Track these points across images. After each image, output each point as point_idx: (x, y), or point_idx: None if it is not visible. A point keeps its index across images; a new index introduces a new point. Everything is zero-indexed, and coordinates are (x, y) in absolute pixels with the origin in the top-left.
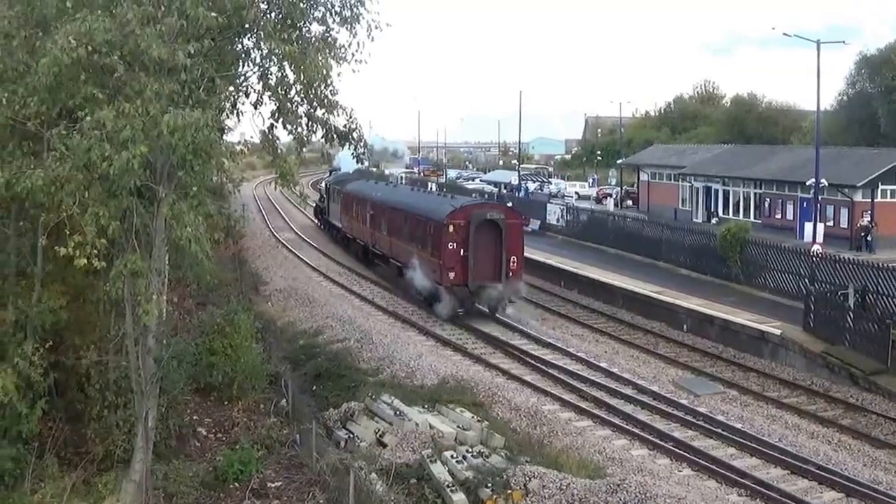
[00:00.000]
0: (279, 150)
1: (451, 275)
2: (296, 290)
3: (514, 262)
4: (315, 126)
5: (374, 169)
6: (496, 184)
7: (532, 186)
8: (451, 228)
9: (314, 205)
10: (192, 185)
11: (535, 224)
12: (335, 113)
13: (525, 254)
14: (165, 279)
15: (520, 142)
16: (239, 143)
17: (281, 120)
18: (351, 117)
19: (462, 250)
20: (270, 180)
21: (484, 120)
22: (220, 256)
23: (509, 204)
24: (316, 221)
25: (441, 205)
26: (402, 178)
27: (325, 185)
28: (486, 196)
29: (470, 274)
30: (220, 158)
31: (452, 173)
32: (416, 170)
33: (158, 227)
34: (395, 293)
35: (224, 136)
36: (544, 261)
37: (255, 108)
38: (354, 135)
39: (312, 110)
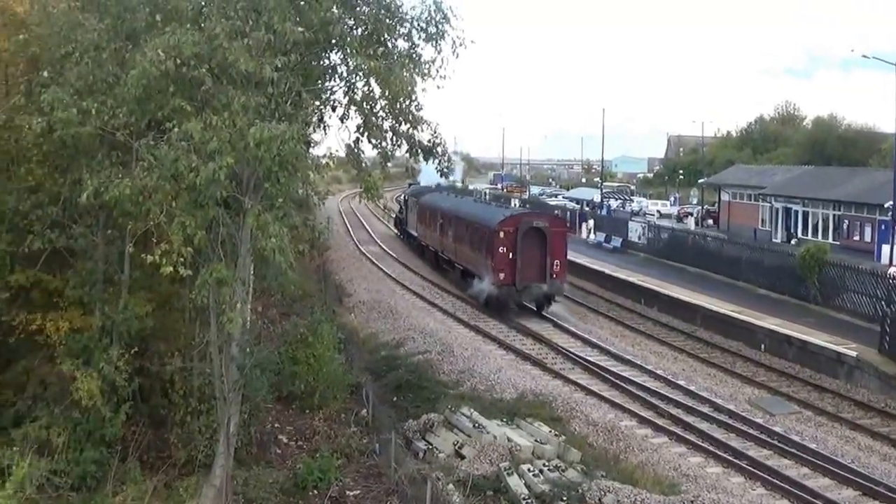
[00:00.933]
0: (364, 164)
1: (501, 275)
2: (379, 303)
3: (557, 265)
4: (399, 140)
5: (459, 184)
6: (578, 201)
7: (614, 204)
8: (501, 234)
9: (394, 216)
10: (278, 196)
11: (616, 241)
12: (420, 128)
13: (607, 270)
14: (250, 288)
15: (602, 159)
16: (324, 156)
17: (366, 134)
18: (435, 132)
19: (511, 254)
20: (355, 194)
21: (567, 137)
22: (305, 268)
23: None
24: (396, 231)
25: (494, 214)
26: (485, 193)
27: (404, 196)
28: (566, 212)
29: (517, 275)
30: (306, 171)
31: (535, 190)
32: (499, 186)
33: (244, 237)
34: (478, 308)
35: (310, 149)
36: (625, 278)
37: (342, 121)
38: (438, 149)
39: (397, 125)
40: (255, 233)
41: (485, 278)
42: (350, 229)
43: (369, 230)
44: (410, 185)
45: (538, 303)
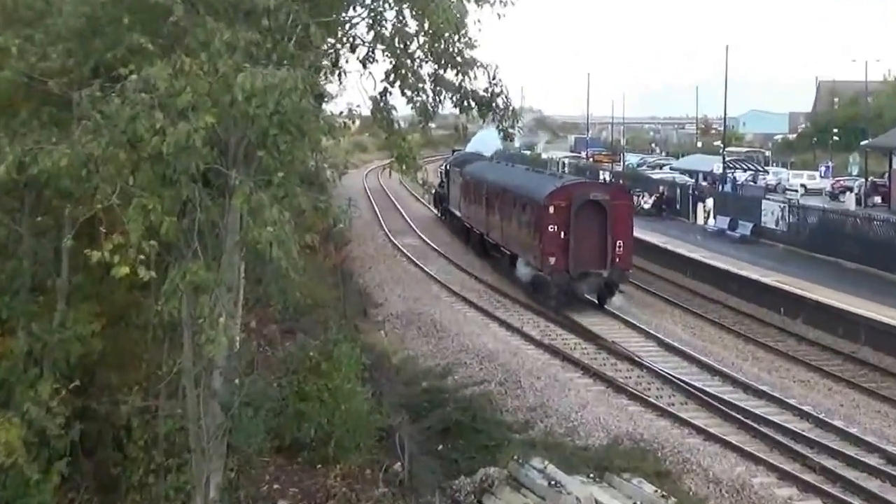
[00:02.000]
0: (396, 125)
1: (552, 260)
2: (418, 315)
3: (620, 247)
4: (444, 92)
5: (528, 152)
6: (692, 173)
7: (741, 177)
8: (551, 210)
9: (434, 192)
10: (277, 169)
11: (744, 228)
12: (471, 73)
13: (733, 268)
14: (239, 297)
15: (725, 115)
16: (342, 114)
17: (398, 83)
18: (494, 78)
19: (563, 233)
20: (385, 166)
21: (676, 90)
22: (317, 268)
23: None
24: (435, 211)
25: (543, 185)
26: (564, 164)
27: (445, 167)
28: (676, 189)
29: (571, 259)
30: (316, 135)
31: (632, 159)
32: (582, 154)
33: (230, 225)
34: (551, 321)
35: (322, 105)
36: (757, 279)
37: (365, 66)
38: (499, 101)
39: (441, 70)
40: (245, 220)
41: (532, 264)
42: (379, 214)
43: (404, 215)
44: (455, 151)
45: (599, 294)
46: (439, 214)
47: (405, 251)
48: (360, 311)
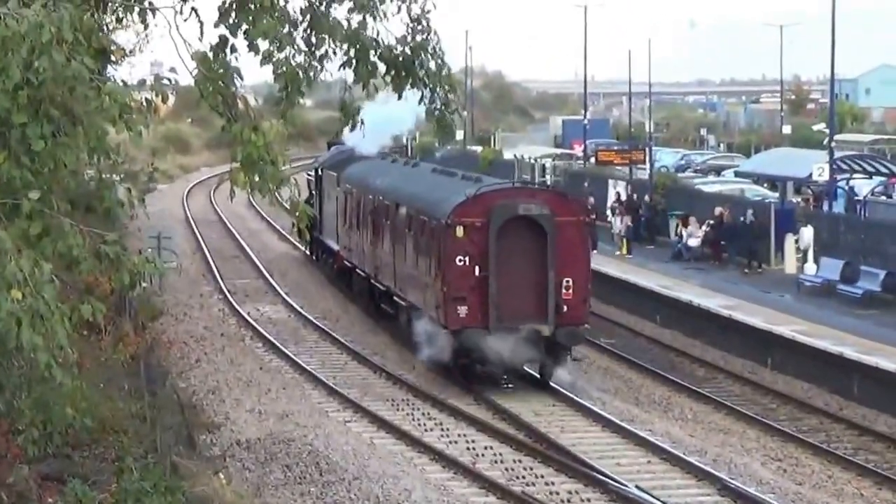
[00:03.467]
0: (242, 103)
1: (462, 310)
2: (287, 444)
3: (568, 287)
4: (327, 42)
5: (479, 149)
6: (775, 181)
7: (863, 187)
8: (458, 232)
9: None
10: (29, 186)
11: (870, 280)
12: (377, 9)
13: (850, 350)
14: None
15: (833, 77)
16: (145, 84)
17: (245, 28)
18: (419, 20)
19: (478, 268)
20: (225, 177)
21: (739, 31)
22: (102, 363)
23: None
24: (303, 248)
25: (447, 193)
26: (549, 168)
27: (316, 171)
28: (748, 212)
29: (492, 308)
30: (98, 122)
31: (668, 157)
32: (577, 149)
33: None
34: (521, 447)
35: (110, 70)
36: None
37: None
38: (429, 62)
39: (320, 3)
40: None
41: (428, 315)
42: (213, 262)
43: (258, 262)
44: (331, 145)
45: (540, 363)
46: (307, 251)
47: (260, 328)
48: (183, 440)
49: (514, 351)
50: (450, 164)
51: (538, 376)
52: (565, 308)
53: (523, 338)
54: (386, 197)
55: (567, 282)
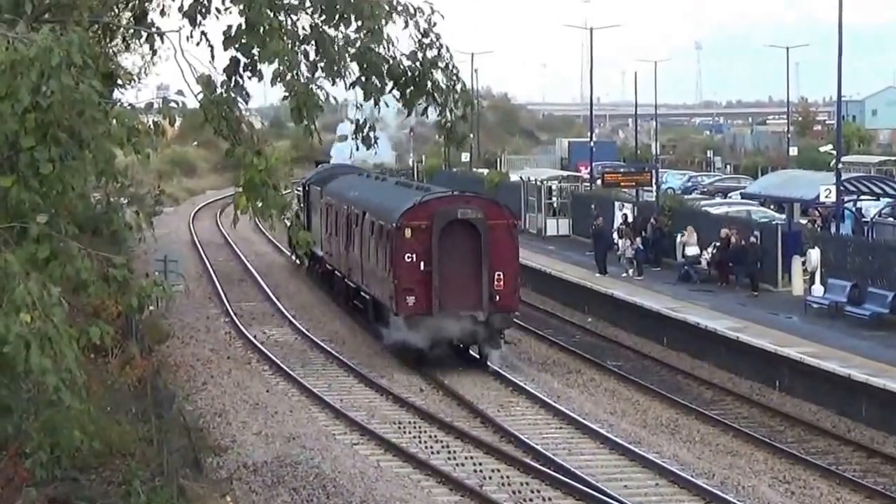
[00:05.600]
0: (246, 127)
1: (410, 300)
2: (293, 467)
3: (500, 280)
4: (336, 60)
5: (485, 171)
6: (781, 203)
7: (871, 208)
8: (407, 233)
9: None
10: (38, 210)
11: (877, 301)
12: (385, 25)
13: (857, 371)
14: None
15: (840, 98)
16: (152, 107)
17: (254, 49)
18: (428, 34)
19: (423, 264)
20: (229, 201)
21: (746, 53)
22: (110, 385)
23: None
24: (294, 259)
25: (399, 201)
26: (550, 190)
27: (304, 186)
28: (754, 234)
29: (435, 298)
30: (106, 146)
31: (674, 179)
32: (583, 171)
33: None
34: (528, 469)
35: (117, 94)
36: None
37: (193, 21)
38: (436, 74)
39: (327, 22)
40: None
41: (385, 304)
42: (220, 286)
43: (264, 285)
44: (319, 164)
45: (475, 344)
46: (295, 260)
47: (267, 351)
48: (190, 463)
49: (454, 333)
50: (455, 186)
51: (477, 357)
52: (497, 297)
53: (462, 322)
54: (356, 207)
55: (499, 275)
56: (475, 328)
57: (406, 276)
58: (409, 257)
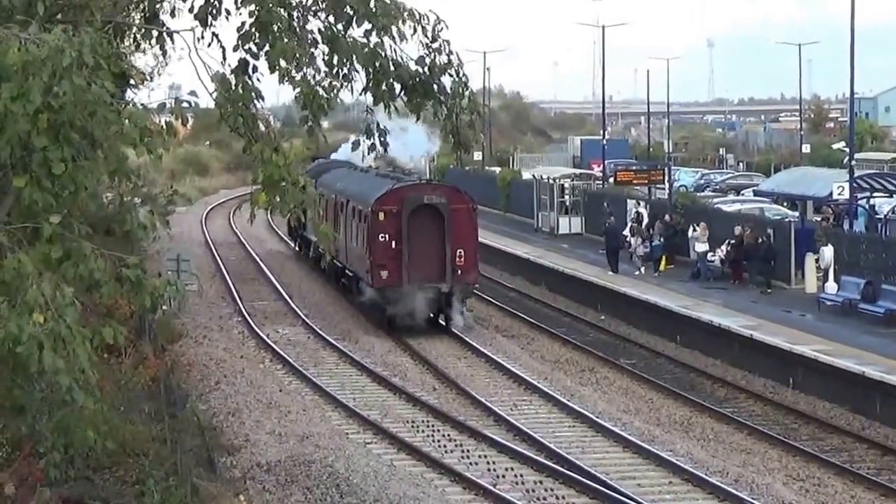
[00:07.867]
0: (261, 122)
1: (384, 274)
2: (307, 466)
3: (461, 257)
4: (346, 63)
5: (496, 169)
6: (795, 200)
7: (884, 206)
8: (381, 216)
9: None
10: (50, 210)
11: (891, 298)
12: (395, 30)
13: (870, 370)
14: None
15: (852, 95)
16: (164, 107)
17: (266, 49)
18: (435, 39)
19: (395, 242)
20: (244, 199)
21: (758, 51)
22: (122, 385)
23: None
24: (293, 244)
25: (373, 188)
26: (563, 189)
27: None
28: (767, 231)
29: (405, 272)
30: (118, 145)
31: (687, 177)
32: (595, 169)
33: None
34: (542, 468)
35: (129, 94)
36: None
37: (204, 22)
38: (444, 78)
39: (339, 24)
40: None
41: (363, 279)
42: (233, 286)
43: (278, 285)
44: (314, 159)
45: (442, 313)
46: (295, 247)
47: (281, 351)
48: (204, 462)
49: (422, 302)
50: (466, 184)
51: (443, 323)
52: (459, 271)
53: (428, 292)
54: (342, 195)
55: (460, 252)
56: (440, 298)
57: (380, 253)
58: (382, 237)
